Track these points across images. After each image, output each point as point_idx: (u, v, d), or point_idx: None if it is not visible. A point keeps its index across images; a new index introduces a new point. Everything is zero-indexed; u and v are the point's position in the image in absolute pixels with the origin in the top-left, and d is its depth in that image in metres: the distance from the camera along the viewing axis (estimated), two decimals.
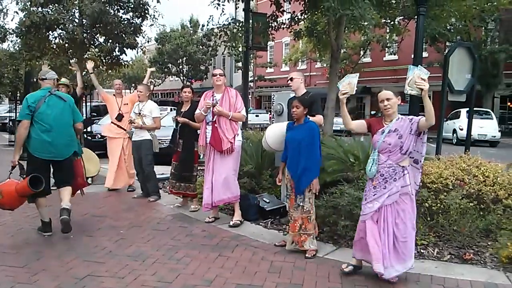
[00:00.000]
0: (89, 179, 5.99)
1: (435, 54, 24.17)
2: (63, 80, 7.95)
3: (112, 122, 7.74)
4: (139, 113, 7.03)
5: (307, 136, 4.52)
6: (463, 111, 19.46)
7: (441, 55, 21.17)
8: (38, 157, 4.96)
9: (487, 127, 19.37)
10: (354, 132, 4.37)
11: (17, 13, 8.61)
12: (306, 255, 4.53)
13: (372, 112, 25.21)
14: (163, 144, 8.55)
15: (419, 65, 3.79)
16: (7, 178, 4.99)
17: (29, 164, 5.04)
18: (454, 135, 19.86)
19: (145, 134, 7.03)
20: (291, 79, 5.53)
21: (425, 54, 23.53)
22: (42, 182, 4.83)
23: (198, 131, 6.12)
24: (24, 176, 4.91)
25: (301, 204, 4.58)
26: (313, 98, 5.44)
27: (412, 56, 6.83)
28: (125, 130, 7.59)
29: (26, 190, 4.78)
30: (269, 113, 26.96)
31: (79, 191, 5.59)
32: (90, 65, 8.18)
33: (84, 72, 8.96)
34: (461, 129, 19.10)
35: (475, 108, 17.74)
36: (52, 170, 5.19)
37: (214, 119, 5.59)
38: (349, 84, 4.09)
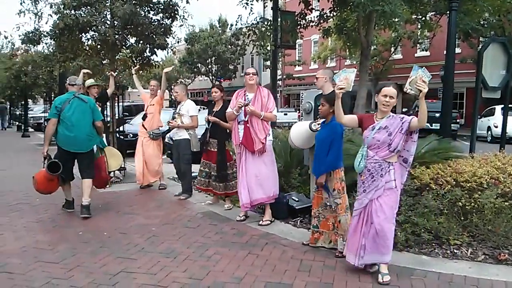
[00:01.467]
0: (111, 172, 6.96)
1: (468, 49, 23.59)
2: (91, 80, 8.18)
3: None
4: (179, 113, 7.16)
5: (328, 135, 4.51)
6: (498, 108, 18.93)
7: (475, 51, 20.64)
8: (65, 149, 5.95)
9: None
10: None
11: (51, 16, 8.81)
12: (336, 254, 4.50)
13: (404, 110, 24.78)
14: None
15: (423, 67, 3.77)
16: (42, 168, 5.99)
17: (57, 155, 6.00)
18: (489, 132, 19.32)
19: (183, 134, 7.13)
20: (316, 78, 5.52)
21: (458, 50, 22.97)
22: (59, 167, 5.77)
23: (228, 130, 6.16)
24: None
25: (328, 204, 4.58)
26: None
27: (445, 52, 6.69)
28: (146, 129, 7.77)
29: (47, 174, 5.83)
30: (297, 111, 26.90)
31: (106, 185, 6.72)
32: (136, 67, 8.41)
33: (116, 73, 9.12)
34: (496, 127, 18.56)
35: (510, 105, 17.29)
36: (77, 161, 6.10)
37: (246, 119, 5.58)
38: (345, 79, 4.08)
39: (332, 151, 4.45)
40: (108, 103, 8.49)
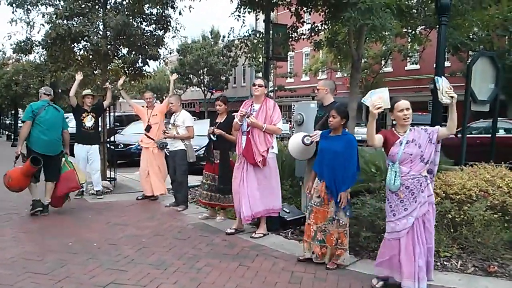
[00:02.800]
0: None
1: (458, 63, 23.83)
2: (88, 91, 8.21)
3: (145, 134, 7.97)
4: (173, 124, 7.14)
5: (346, 148, 4.42)
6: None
7: (464, 64, 20.87)
8: (36, 151, 6.45)
9: None
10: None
11: (43, 25, 8.79)
12: (328, 266, 4.49)
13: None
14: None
15: (442, 77, 3.79)
16: (13, 166, 6.48)
17: (28, 157, 6.47)
18: None
19: (179, 144, 7.11)
20: (317, 89, 5.51)
21: (447, 64, 23.22)
22: (40, 161, 6.36)
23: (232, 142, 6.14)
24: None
25: (336, 218, 4.50)
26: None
27: (434, 65, 6.77)
28: (153, 140, 7.74)
29: (29, 169, 6.31)
30: (289, 122, 26.95)
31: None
32: (120, 81, 8.49)
33: (108, 82, 9.13)
34: None
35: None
36: (44, 164, 6.50)
37: (248, 129, 5.54)
38: (380, 98, 3.87)
39: (354, 166, 4.40)
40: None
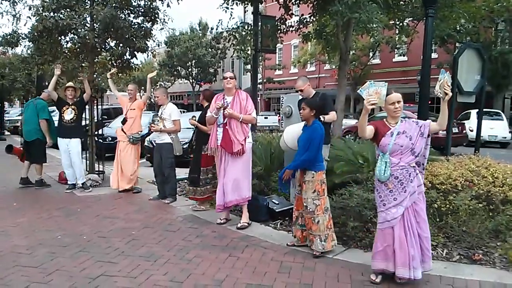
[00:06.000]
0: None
1: (445, 55, 24.06)
2: (70, 83, 8.20)
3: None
4: (160, 117, 7.13)
5: (307, 137, 4.62)
6: (474, 112, 19.34)
7: (451, 56, 21.04)
8: (24, 139, 8.54)
9: (497, 128, 19.24)
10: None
11: (29, 18, 8.65)
12: (314, 253, 4.60)
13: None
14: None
15: (447, 73, 3.84)
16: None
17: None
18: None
19: (165, 137, 7.11)
20: (301, 90, 5.70)
21: (434, 55, 23.40)
22: (11, 149, 9.05)
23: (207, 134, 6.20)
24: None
25: (304, 204, 4.66)
26: (323, 97, 5.58)
27: (422, 57, 6.84)
28: (125, 134, 7.74)
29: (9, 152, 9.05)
30: (278, 115, 27.02)
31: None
32: (112, 71, 8.51)
33: (95, 75, 9.07)
34: (471, 130, 18.94)
35: (485, 109, 17.63)
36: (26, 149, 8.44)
37: (225, 121, 5.64)
38: (376, 93, 3.81)
39: (308, 151, 4.55)
40: (87, 107, 8.43)
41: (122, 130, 7.88)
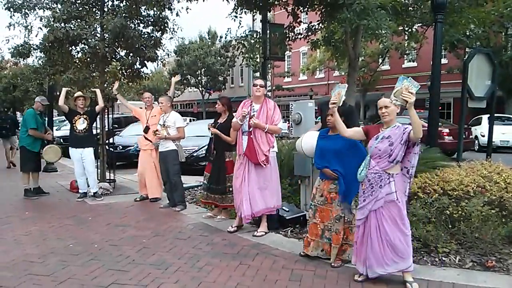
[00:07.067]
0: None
1: (455, 60, 23.93)
2: (79, 93, 8.22)
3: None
4: (163, 124, 7.15)
5: (346, 145, 4.41)
6: (485, 118, 19.19)
7: (461, 61, 20.94)
8: None
9: (509, 133, 19.04)
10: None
11: (41, 29, 8.78)
12: (333, 264, 4.49)
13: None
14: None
15: (409, 78, 3.77)
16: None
17: None
18: (476, 141, 19.56)
19: (170, 145, 7.12)
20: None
21: (444, 61, 23.33)
22: None
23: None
24: None
25: (342, 215, 4.53)
26: (351, 108, 5.43)
27: (431, 63, 6.82)
28: (151, 141, 7.74)
29: None
30: (287, 122, 26.97)
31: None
32: (115, 86, 8.48)
33: (105, 85, 9.15)
34: (483, 136, 18.82)
35: (496, 114, 17.49)
36: None
37: (250, 130, 5.58)
38: (338, 94, 4.16)
39: (357, 163, 4.24)
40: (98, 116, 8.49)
41: (146, 138, 7.86)
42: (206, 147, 6.76)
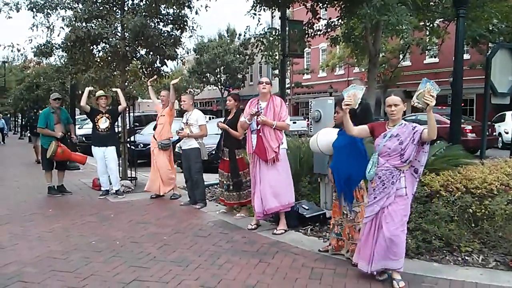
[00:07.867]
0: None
1: (478, 55, 23.48)
2: (101, 92, 8.31)
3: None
4: (186, 123, 7.20)
5: (348, 143, 4.46)
6: (509, 114, 18.85)
7: (484, 56, 20.54)
8: None
9: None
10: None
11: (63, 28, 8.93)
12: (353, 262, 4.45)
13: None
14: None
15: (432, 81, 3.73)
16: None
17: None
18: (500, 138, 19.21)
19: (193, 143, 7.18)
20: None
21: (467, 56, 22.91)
22: None
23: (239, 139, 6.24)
24: None
25: (345, 212, 4.57)
26: (367, 106, 5.37)
27: (453, 58, 6.71)
28: (155, 139, 7.83)
29: None
30: (306, 119, 26.88)
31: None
32: (151, 80, 8.63)
33: (126, 83, 9.25)
34: (507, 133, 18.49)
35: None
36: None
37: (258, 128, 5.61)
38: (354, 95, 4.06)
39: (359, 160, 4.37)
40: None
41: (154, 136, 7.99)
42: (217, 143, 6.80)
